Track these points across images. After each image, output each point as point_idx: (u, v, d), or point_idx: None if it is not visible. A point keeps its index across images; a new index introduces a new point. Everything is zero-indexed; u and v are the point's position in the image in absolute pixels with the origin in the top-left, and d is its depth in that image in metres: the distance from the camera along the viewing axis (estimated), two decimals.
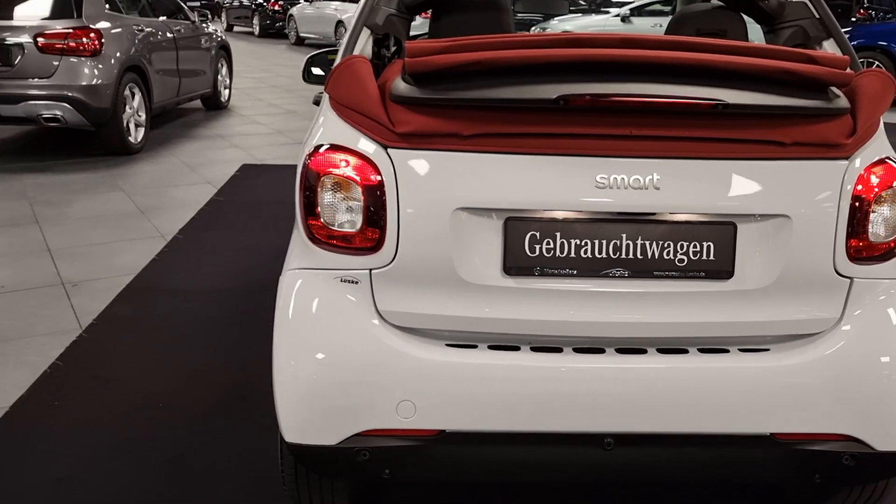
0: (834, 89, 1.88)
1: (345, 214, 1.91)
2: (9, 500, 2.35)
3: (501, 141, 1.82)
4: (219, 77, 9.18)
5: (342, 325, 1.93)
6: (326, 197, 1.92)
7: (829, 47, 2.19)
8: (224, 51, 9.37)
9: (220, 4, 23.51)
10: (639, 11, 14.57)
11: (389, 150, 1.86)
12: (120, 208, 5.30)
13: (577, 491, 2.43)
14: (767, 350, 1.96)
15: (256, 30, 20.94)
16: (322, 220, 1.93)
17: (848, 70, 1.87)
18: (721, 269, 1.88)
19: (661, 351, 1.94)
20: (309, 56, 3.40)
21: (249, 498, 2.39)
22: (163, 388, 2.99)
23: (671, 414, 1.90)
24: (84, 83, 6.24)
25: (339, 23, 16.43)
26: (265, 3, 21.19)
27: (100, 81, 6.32)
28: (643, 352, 1.93)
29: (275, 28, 20.74)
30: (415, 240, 1.86)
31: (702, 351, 1.95)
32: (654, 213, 1.85)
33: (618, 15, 14.61)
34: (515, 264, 1.87)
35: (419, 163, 1.85)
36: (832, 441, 1.93)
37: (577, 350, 1.92)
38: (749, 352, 1.95)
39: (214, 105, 9.29)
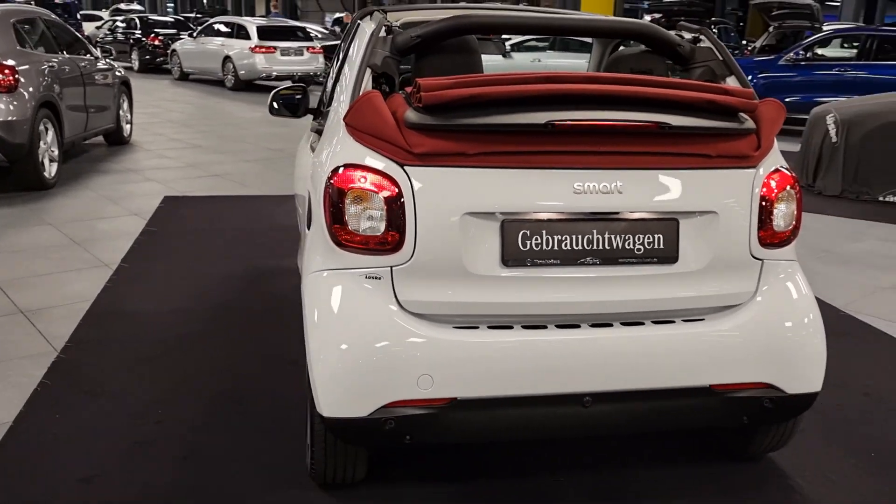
0: (743, 114, 2.44)
1: (368, 222, 2.29)
2: (46, 499, 2.55)
3: (499, 158, 2.26)
4: (121, 112, 9.20)
5: (368, 314, 2.30)
6: (352, 208, 2.30)
7: (732, 82, 2.78)
8: (125, 86, 9.40)
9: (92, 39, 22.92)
10: (518, 47, 15.50)
11: (406, 168, 2.26)
12: (54, 241, 5.37)
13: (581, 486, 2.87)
14: (703, 319, 2.48)
15: (136, 65, 20.59)
16: (349, 227, 2.30)
17: (753, 100, 2.45)
18: (668, 255, 2.39)
19: (624, 324, 2.42)
20: (273, 92, 3.75)
21: (263, 481, 2.68)
22: (157, 398, 3.21)
23: (634, 374, 2.38)
24: (1, 119, 6.24)
25: (227, 58, 16.51)
26: (144, 39, 20.90)
27: (16, 117, 6.33)
28: (610, 325, 2.41)
29: (155, 63, 20.49)
30: (429, 240, 2.27)
31: (654, 322, 2.44)
32: (617, 213, 2.34)
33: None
34: (511, 257, 2.31)
35: (432, 177, 2.26)
36: (754, 389, 2.46)
37: (559, 326, 2.38)
38: (689, 321, 2.47)
39: (117, 140, 9.28)
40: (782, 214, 2.50)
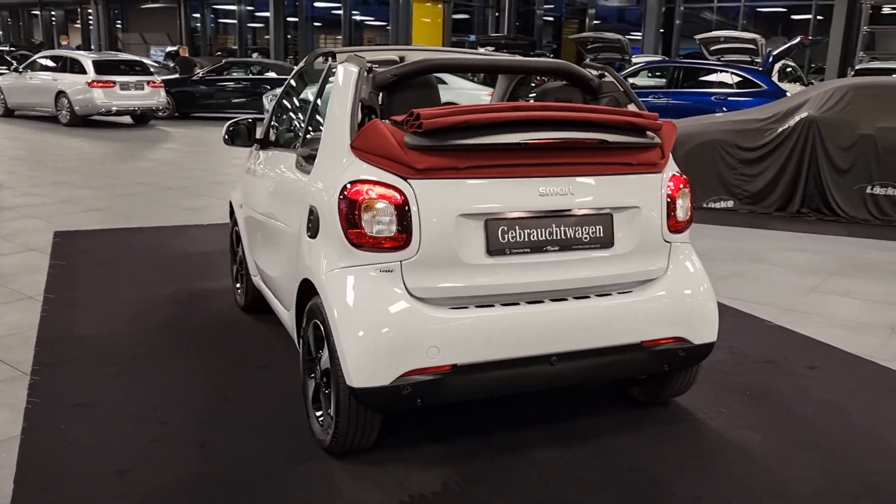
0: (650, 132, 3.20)
1: (380, 225, 2.82)
2: (91, 490, 2.83)
3: (483, 170, 2.88)
4: None
5: (386, 300, 2.83)
6: (366, 215, 2.82)
7: (633, 108, 3.55)
8: None
9: None
10: None
11: (409, 181, 2.82)
12: None
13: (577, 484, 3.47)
14: (631, 292, 3.21)
15: None
16: (364, 231, 2.82)
17: (657, 121, 3.22)
18: (607, 242, 3.10)
19: (575, 298, 3.09)
20: (227, 126, 4.16)
21: (281, 459, 3.08)
22: (150, 404, 3.51)
23: (587, 337, 3.06)
24: None
25: (61, 93, 15.93)
26: None
27: None
28: (565, 299, 3.08)
29: None
30: (431, 238, 2.84)
31: (597, 296, 3.14)
32: (570, 210, 3.02)
33: None
34: (494, 248, 2.92)
35: (430, 187, 2.84)
36: (671, 342, 3.21)
37: (528, 302, 3.01)
38: (622, 293, 3.18)
39: None
40: (682, 207, 3.29)
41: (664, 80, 14.38)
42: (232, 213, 4.95)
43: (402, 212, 2.82)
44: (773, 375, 4.04)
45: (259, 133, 4.33)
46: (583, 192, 3.04)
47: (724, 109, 12.09)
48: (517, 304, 3.01)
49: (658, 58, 20.40)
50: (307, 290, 3.20)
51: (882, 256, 6.75)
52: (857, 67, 15.66)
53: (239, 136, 4.21)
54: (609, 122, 3.06)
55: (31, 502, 2.76)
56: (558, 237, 3.02)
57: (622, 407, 3.63)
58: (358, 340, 2.80)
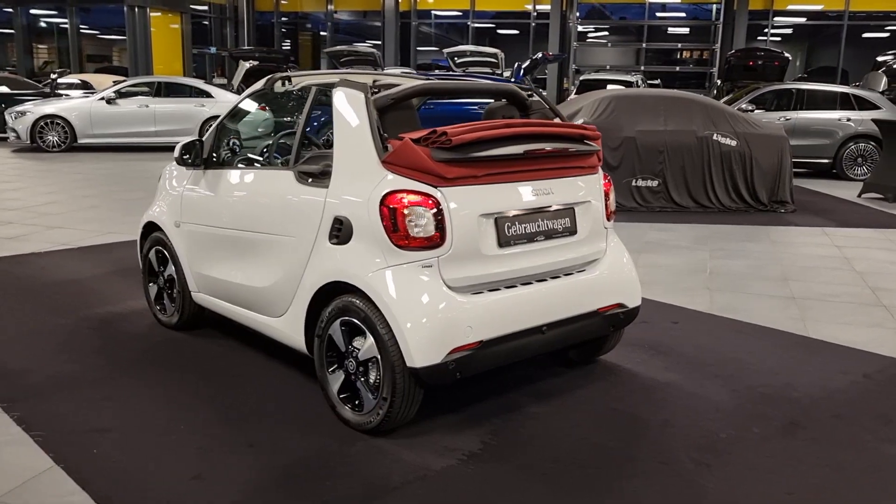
0: (590, 140, 4.00)
1: (420, 228, 3.31)
2: (172, 492, 2.97)
3: (495, 177, 3.49)
4: None
5: (432, 291, 3.33)
6: (408, 219, 3.29)
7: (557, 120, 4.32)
8: None
9: None
10: (119, 94, 15.37)
11: (440, 189, 3.34)
12: None
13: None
14: (584, 270, 3.99)
15: None
16: (408, 233, 3.29)
17: (596, 132, 4.02)
18: (573, 230, 3.85)
19: (552, 278, 3.80)
20: (183, 144, 4.29)
21: (329, 443, 3.40)
22: (166, 418, 3.61)
23: (563, 309, 3.78)
24: None
25: None
26: None
27: None
28: (545, 280, 3.77)
29: None
30: (460, 236, 3.39)
31: (565, 275, 3.87)
32: (550, 206, 3.72)
33: (102, 98, 15.22)
34: (503, 241, 3.54)
35: (458, 193, 3.39)
36: (615, 308, 4.04)
37: (522, 284, 3.67)
38: (581, 272, 3.95)
39: None
40: (612, 200, 4.14)
41: None
42: (148, 234, 4.95)
43: (437, 215, 3.33)
44: (653, 331, 5.07)
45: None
46: (558, 191, 3.76)
47: None
48: (515, 286, 3.65)
49: (408, 70, 21.68)
50: (330, 292, 3.55)
51: (662, 235, 8.29)
52: (581, 78, 18.10)
53: (194, 156, 4.34)
54: (570, 134, 3.81)
55: None
56: (543, 228, 3.71)
57: (565, 368, 4.40)
58: (417, 327, 3.26)
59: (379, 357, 3.37)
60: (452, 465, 3.28)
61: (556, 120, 4.22)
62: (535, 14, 24.29)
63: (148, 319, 5.02)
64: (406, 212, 3.30)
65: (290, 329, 3.86)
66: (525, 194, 3.63)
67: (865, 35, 23.96)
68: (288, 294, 3.82)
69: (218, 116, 16.36)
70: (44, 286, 5.79)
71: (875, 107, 13.36)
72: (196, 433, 3.49)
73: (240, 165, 4.48)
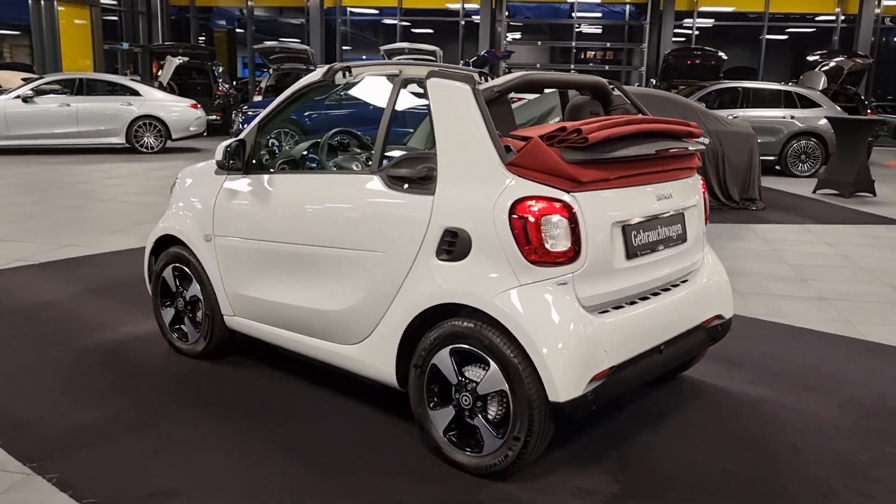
0: (696, 139, 3.61)
1: (554, 240, 2.86)
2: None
3: (626, 180, 3.08)
4: None
5: (570, 313, 2.90)
6: (542, 231, 2.83)
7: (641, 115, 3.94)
8: None
9: None
10: (36, 91, 14.17)
11: (574, 194, 2.90)
12: None
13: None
14: (687, 280, 3.61)
15: None
16: (542, 246, 2.83)
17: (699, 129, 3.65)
18: (684, 237, 3.48)
19: (663, 290, 3.41)
20: (223, 147, 3.68)
21: (440, 487, 2.93)
22: (239, 468, 3.01)
23: (678, 324, 3.40)
24: None
25: None
26: None
27: None
28: (658, 293, 3.38)
29: None
30: (594, 248, 2.96)
31: (673, 286, 3.48)
32: (668, 211, 3.34)
33: (18, 96, 14.01)
34: (631, 252, 3.13)
35: (590, 200, 2.96)
36: (714, 320, 3.69)
37: (642, 298, 3.26)
38: (685, 282, 3.58)
39: None
40: (707, 203, 3.79)
41: None
42: (161, 249, 4.29)
43: (573, 225, 2.89)
44: None
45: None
46: (675, 195, 3.38)
47: None
48: (635, 302, 3.24)
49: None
50: (431, 315, 3.05)
51: None
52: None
53: (241, 160, 3.72)
54: (679, 132, 3.43)
55: None
56: (662, 237, 3.32)
57: (647, 387, 4.02)
58: (558, 355, 2.81)
59: (509, 390, 2.89)
60: None
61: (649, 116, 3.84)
62: (463, 11, 24.01)
63: (159, 348, 4.35)
64: (542, 222, 2.84)
65: (371, 358, 3.32)
66: (650, 199, 3.23)
67: (769, 37, 24.74)
68: (370, 318, 3.28)
69: (150, 115, 15.60)
70: (16, 311, 4.99)
71: (816, 105, 13.68)
72: (285, 491, 2.93)
73: (287, 169, 3.89)
